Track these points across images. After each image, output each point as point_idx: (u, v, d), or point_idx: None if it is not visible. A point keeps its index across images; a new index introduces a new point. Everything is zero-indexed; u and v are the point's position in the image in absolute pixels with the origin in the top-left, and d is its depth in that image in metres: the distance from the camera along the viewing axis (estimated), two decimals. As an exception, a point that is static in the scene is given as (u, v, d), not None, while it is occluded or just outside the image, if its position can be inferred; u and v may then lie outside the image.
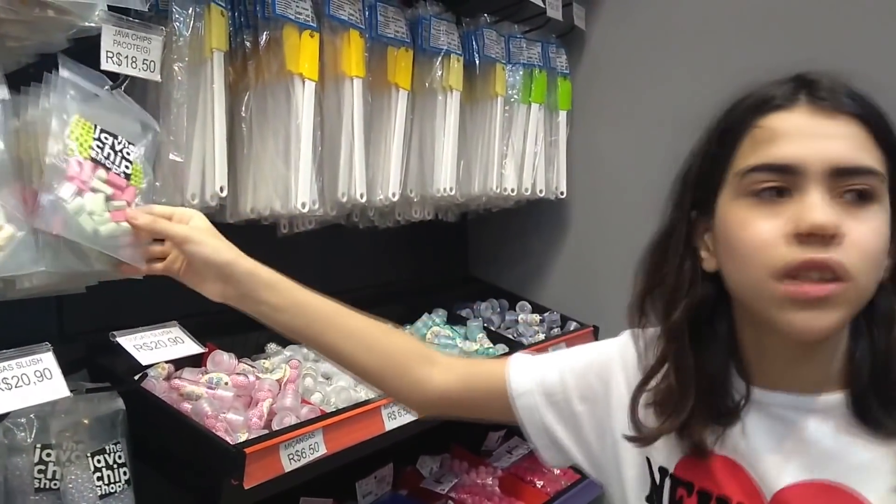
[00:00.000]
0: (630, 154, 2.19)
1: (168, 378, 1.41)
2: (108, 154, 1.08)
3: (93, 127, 1.06)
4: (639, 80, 2.17)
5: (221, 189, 1.35)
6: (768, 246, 0.74)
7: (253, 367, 1.53)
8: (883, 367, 0.78)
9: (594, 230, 2.29)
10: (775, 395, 0.81)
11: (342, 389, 1.53)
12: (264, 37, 1.44)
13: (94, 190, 1.03)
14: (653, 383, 0.87)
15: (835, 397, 0.79)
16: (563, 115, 2.23)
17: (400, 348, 1.04)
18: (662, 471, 0.88)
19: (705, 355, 0.83)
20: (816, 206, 0.73)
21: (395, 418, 1.48)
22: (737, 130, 0.80)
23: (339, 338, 1.01)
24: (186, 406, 1.31)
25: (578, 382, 0.97)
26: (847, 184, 0.75)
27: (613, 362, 0.95)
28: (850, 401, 0.78)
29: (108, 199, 1.05)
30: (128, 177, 1.10)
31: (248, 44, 1.45)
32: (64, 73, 1.03)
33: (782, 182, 0.75)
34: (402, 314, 2.09)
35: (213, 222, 1.47)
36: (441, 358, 1.04)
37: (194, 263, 1.03)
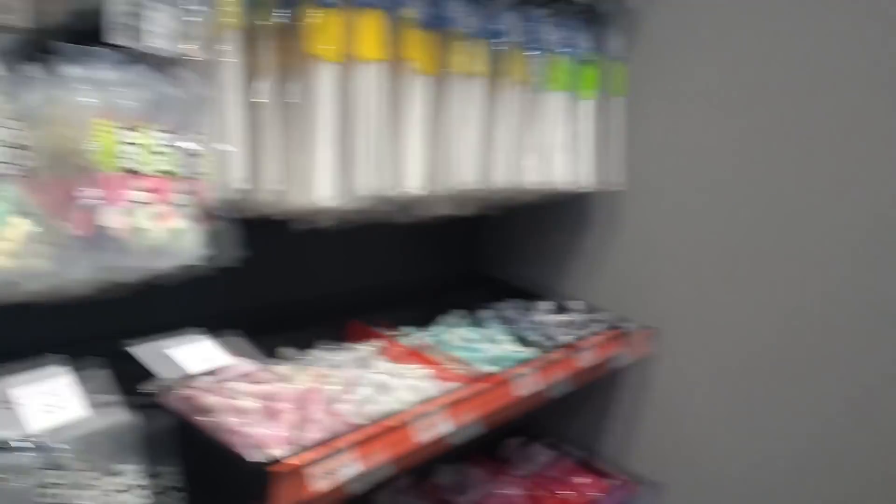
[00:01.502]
0: (686, 145, 2.05)
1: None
2: (138, 154, 0.98)
3: (114, 128, 0.97)
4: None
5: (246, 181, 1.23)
6: None
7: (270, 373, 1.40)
8: None
9: (646, 226, 2.18)
10: None
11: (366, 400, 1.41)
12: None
13: (135, 202, 0.96)
14: None
15: None
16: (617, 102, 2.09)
17: None
18: None
19: None
20: None
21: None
22: None
23: None
24: (205, 419, 1.19)
25: None
26: None
27: None
28: None
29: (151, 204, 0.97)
30: (165, 172, 1.01)
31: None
32: (75, 69, 0.94)
33: None
34: (418, 316, 1.97)
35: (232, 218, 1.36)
36: None
37: None
